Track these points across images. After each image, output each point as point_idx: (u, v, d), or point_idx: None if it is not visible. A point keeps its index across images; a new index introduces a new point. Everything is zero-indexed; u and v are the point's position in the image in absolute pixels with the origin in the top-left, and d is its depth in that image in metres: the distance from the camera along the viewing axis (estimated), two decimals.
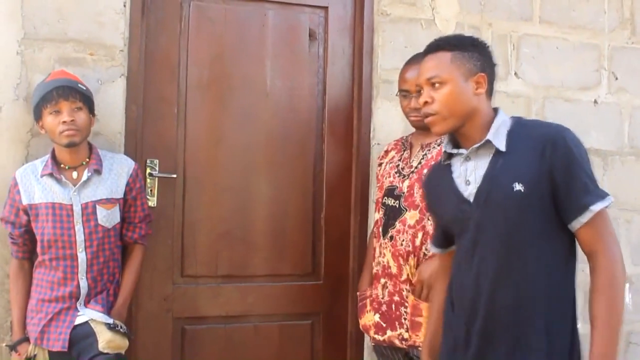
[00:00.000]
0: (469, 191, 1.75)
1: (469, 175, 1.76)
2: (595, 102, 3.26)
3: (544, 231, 1.67)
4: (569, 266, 1.72)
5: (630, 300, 3.29)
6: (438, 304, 1.97)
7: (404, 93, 2.38)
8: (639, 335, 3.33)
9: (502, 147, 1.71)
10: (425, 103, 1.77)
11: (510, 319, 1.68)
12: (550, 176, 1.64)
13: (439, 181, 1.87)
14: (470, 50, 1.77)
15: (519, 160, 1.68)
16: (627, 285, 3.28)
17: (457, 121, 1.75)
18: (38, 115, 2.27)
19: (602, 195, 1.65)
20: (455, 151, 1.81)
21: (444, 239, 1.94)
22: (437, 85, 1.75)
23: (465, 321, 1.76)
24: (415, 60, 2.39)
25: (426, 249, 2.25)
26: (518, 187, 1.65)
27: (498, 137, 1.72)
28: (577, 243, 1.71)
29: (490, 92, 1.80)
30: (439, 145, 2.32)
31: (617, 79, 3.29)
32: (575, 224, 1.65)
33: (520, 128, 1.75)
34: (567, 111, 3.16)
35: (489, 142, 1.72)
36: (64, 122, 2.21)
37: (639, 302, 3.29)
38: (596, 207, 1.62)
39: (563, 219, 1.66)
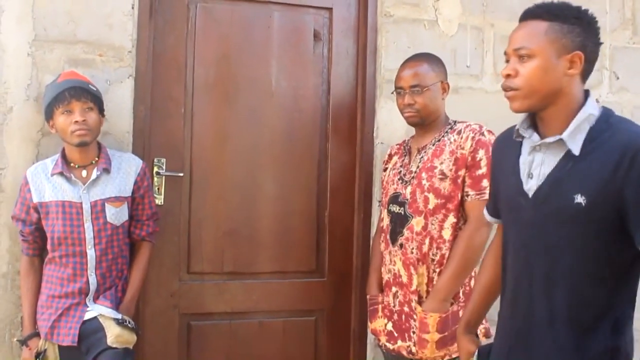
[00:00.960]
0: (529, 185, 1.61)
1: (533, 169, 1.61)
2: (597, 101, 3.27)
3: (597, 247, 1.51)
4: (621, 287, 1.54)
5: None
6: (485, 280, 1.89)
7: (398, 90, 2.42)
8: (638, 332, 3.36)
9: (577, 150, 1.52)
10: (508, 76, 1.59)
11: (545, 330, 1.58)
12: (620, 193, 1.45)
13: (505, 155, 1.74)
14: (571, 22, 1.56)
15: (589, 168, 1.50)
16: None
17: (538, 101, 1.57)
18: (49, 115, 2.31)
19: None
20: (527, 135, 1.64)
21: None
22: (524, 57, 1.56)
23: (507, 316, 1.70)
24: (411, 60, 2.45)
25: (433, 255, 2.29)
26: (579, 199, 1.48)
27: (576, 136, 1.53)
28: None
29: (585, 75, 1.60)
30: (433, 146, 2.36)
31: (618, 78, 3.32)
32: None
33: (604, 127, 1.53)
34: None
35: (562, 140, 1.55)
36: (76, 122, 2.26)
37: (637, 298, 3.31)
38: None
39: (632, 239, 1.48)
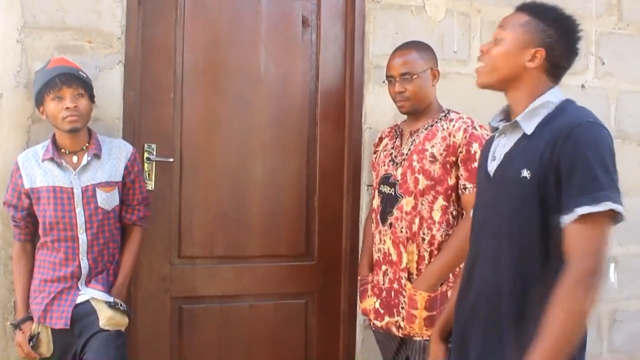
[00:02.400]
0: (491, 166, 1.75)
1: (496, 152, 1.76)
2: (583, 86, 3.33)
3: (542, 220, 1.61)
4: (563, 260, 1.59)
5: (615, 279, 3.38)
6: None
7: (389, 79, 2.47)
8: (624, 313, 3.43)
9: (529, 130, 1.67)
10: (482, 52, 1.77)
11: (494, 299, 1.68)
12: (556, 168, 1.58)
13: (484, 153, 1.87)
14: (547, 23, 1.70)
15: (535, 146, 1.64)
16: (613, 265, 3.37)
17: (498, 80, 1.73)
18: (40, 101, 2.32)
19: (597, 200, 1.50)
20: (495, 124, 1.80)
21: None
22: (498, 39, 1.73)
23: (462, 295, 1.81)
24: (400, 48, 2.50)
25: (424, 234, 2.33)
26: (525, 173, 1.62)
27: (532, 119, 1.67)
28: None
29: (550, 73, 1.71)
30: (426, 130, 2.40)
31: (604, 64, 3.36)
32: (564, 220, 1.54)
33: (558, 113, 1.66)
34: None
35: (515, 121, 1.70)
36: (67, 108, 2.27)
37: (624, 280, 3.38)
38: (581, 210, 1.50)
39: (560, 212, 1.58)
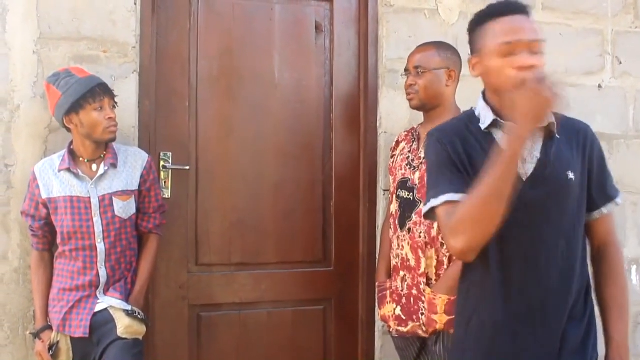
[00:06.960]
0: (524, 169, 1.68)
1: (525, 154, 1.70)
2: (600, 86, 3.29)
3: (580, 218, 1.73)
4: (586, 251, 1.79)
5: (637, 281, 3.33)
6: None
7: (406, 72, 2.49)
8: None
9: (557, 132, 1.72)
10: (534, 66, 1.62)
11: (557, 297, 1.70)
12: (588, 167, 1.72)
13: (476, 144, 1.73)
14: None
15: (567, 149, 1.71)
16: (635, 267, 3.32)
17: None
18: (75, 110, 2.28)
19: (618, 190, 1.77)
20: (503, 124, 1.68)
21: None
22: (537, 50, 1.65)
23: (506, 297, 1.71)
24: (422, 44, 2.51)
25: (443, 240, 2.29)
26: (571, 175, 1.68)
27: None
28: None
29: None
30: None
31: (621, 63, 3.32)
32: (597, 214, 1.73)
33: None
34: (572, 96, 3.11)
35: (549, 124, 1.69)
36: (110, 118, 2.31)
37: None
38: (619, 200, 1.74)
39: (589, 207, 1.74)
